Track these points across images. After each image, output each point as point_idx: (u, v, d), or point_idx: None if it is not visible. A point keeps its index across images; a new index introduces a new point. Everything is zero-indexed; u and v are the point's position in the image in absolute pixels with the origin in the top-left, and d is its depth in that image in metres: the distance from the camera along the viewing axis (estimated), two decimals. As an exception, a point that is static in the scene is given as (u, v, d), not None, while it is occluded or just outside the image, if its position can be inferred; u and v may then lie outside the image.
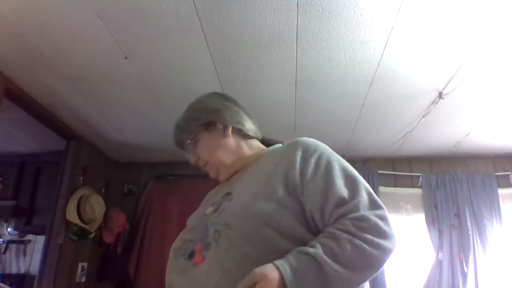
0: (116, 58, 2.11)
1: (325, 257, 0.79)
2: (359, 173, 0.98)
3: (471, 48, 2.01)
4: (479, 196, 3.28)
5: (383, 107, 2.65)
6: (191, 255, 0.91)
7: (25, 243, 3.59)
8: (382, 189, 3.40)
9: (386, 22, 1.83)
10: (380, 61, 2.13)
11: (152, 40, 1.97)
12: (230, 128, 1.10)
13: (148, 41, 1.98)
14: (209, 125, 1.10)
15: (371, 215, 0.86)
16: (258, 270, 0.78)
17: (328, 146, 1.04)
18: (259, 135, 1.18)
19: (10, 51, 2.07)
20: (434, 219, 3.27)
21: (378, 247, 0.83)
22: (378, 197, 0.93)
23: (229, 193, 1.01)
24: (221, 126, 1.10)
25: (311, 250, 0.80)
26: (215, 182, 1.20)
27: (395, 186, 3.49)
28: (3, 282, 3.25)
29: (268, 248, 0.85)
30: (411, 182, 3.51)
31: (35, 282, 2.85)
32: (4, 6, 1.75)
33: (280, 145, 1.15)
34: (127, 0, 1.70)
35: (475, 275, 3.07)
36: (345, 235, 0.82)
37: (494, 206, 3.24)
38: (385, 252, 0.84)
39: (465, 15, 1.77)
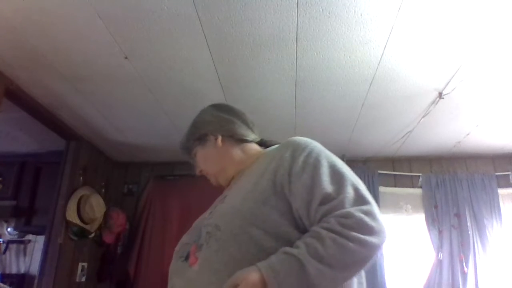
0: (116, 58, 2.11)
1: (308, 257, 0.80)
2: (359, 173, 0.98)
3: (471, 48, 2.01)
4: (479, 196, 3.28)
5: (383, 107, 2.65)
6: (187, 257, 0.96)
7: (25, 243, 3.58)
8: (382, 189, 3.39)
9: (386, 22, 1.83)
10: (380, 61, 2.13)
11: (152, 40, 1.97)
12: (220, 137, 1.15)
13: (148, 41, 1.98)
14: (201, 138, 1.17)
15: (356, 211, 0.85)
16: (239, 272, 0.81)
17: (328, 146, 1.05)
18: (256, 138, 1.21)
19: (10, 51, 2.07)
20: (434, 219, 3.27)
21: (364, 243, 0.82)
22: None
23: (225, 196, 1.06)
24: (212, 137, 1.16)
25: (295, 250, 0.82)
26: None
27: (395, 186, 3.48)
28: (3, 282, 3.25)
29: (255, 248, 0.88)
30: (411, 182, 3.51)
31: (35, 282, 2.85)
32: (5, 6, 1.75)
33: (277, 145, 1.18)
34: (127, 0, 1.70)
35: (475, 275, 3.07)
36: (329, 234, 0.82)
37: (494, 206, 3.24)
38: (371, 248, 0.83)
39: (465, 15, 1.77)
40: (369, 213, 0.86)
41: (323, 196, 0.89)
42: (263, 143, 1.22)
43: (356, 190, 0.91)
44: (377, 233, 0.84)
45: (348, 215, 0.84)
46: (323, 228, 0.84)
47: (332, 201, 0.88)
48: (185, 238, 1.04)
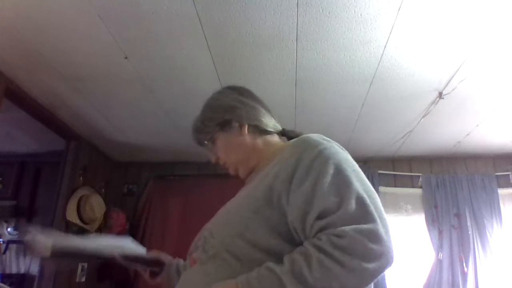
0: (116, 58, 2.11)
1: (291, 277, 0.73)
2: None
3: (471, 48, 2.01)
4: (479, 196, 3.28)
5: (383, 107, 2.65)
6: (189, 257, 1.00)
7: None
8: (382, 189, 3.40)
9: (386, 22, 1.83)
10: (380, 61, 2.12)
11: (152, 40, 1.97)
12: (246, 126, 1.06)
13: (148, 41, 1.97)
14: (224, 124, 1.07)
15: (353, 231, 0.74)
16: (217, 284, 0.81)
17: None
18: (278, 128, 1.12)
19: (10, 51, 2.07)
20: (434, 219, 3.27)
21: (354, 269, 0.72)
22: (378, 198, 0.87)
23: (234, 197, 1.05)
24: (236, 124, 1.06)
25: (277, 268, 0.76)
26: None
27: (395, 186, 3.49)
28: (3, 282, 3.25)
29: (244, 257, 0.85)
30: (411, 182, 3.51)
31: (35, 282, 2.85)
32: (4, 6, 1.75)
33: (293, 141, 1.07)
34: (127, 0, 1.70)
35: (475, 275, 3.07)
36: (317, 254, 0.74)
37: (494, 206, 3.24)
38: (364, 276, 0.73)
39: (464, 16, 1.77)
40: (369, 234, 0.74)
41: (322, 209, 0.79)
42: (284, 133, 1.13)
43: (361, 204, 0.79)
44: (376, 258, 0.73)
45: (343, 234, 0.74)
46: (313, 246, 0.76)
47: (330, 215, 0.77)
48: (196, 238, 1.03)
